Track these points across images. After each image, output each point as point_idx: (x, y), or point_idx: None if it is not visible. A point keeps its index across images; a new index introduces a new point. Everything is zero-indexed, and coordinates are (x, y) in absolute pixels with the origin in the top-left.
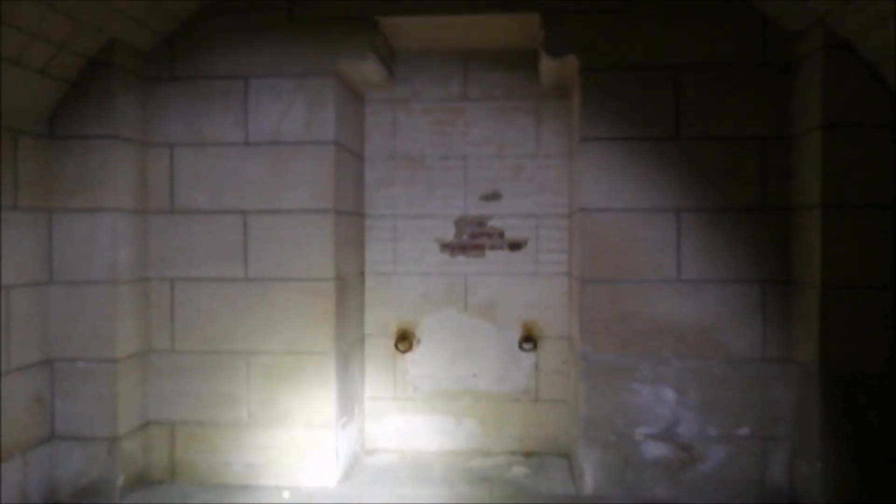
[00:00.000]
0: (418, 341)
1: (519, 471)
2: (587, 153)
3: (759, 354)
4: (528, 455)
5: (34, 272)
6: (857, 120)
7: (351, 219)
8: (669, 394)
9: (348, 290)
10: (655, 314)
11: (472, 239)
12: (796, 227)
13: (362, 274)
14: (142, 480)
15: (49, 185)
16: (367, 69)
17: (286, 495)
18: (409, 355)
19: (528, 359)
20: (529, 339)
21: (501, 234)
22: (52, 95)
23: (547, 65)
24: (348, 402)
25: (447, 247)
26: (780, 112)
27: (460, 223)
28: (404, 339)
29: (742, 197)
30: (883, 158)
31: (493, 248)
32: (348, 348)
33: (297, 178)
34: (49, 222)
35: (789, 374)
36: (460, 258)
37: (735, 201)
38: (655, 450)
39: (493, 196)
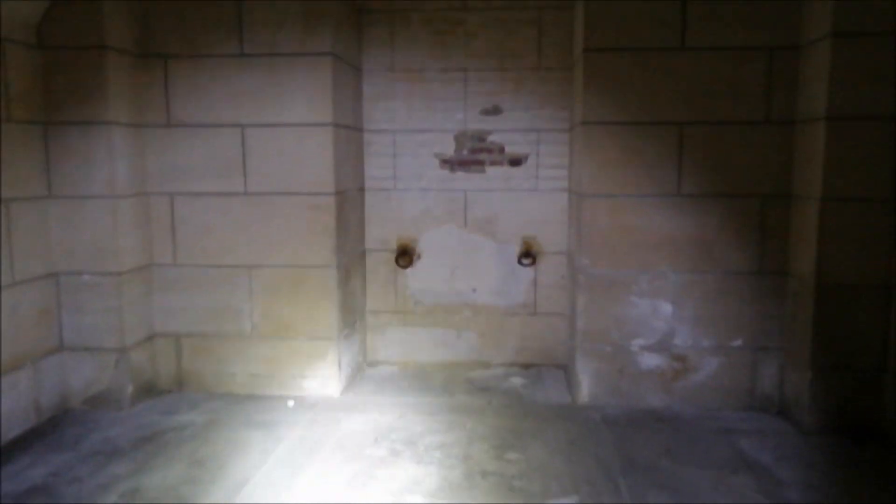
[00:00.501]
0: (418, 256)
1: (517, 381)
2: (590, 64)
3: (756, 268)
4: (526, 367)
5: (33, 186)
6: (866, 29)
7: (350, 133)
8: (666, 307)
9: (348, 204)
10: (654, 228)
11: (472, 154)
12: (800, 139)
13: (362, 189)
14: (150, 390)
15: (43, 98)
16: None
17: (291, 404)
18: (409, 270)
19: (526, 274)
20: (528, 255)
21: (502, 150)
22: (37, 1)
23: None
24: (350, 315)
25: (447, 162)
26: (788, 21)
27: (460, 138)
28: (405, 255)
29: (746, 110)
30: (890, 68)
31: (493, 163)
32: (349, 262)
33: (294, 91)
34: (45, 135)
35: (785, 287)
36: (460, 173)
37: (739, 114)
38: (650, 360)
39: (494, 110)
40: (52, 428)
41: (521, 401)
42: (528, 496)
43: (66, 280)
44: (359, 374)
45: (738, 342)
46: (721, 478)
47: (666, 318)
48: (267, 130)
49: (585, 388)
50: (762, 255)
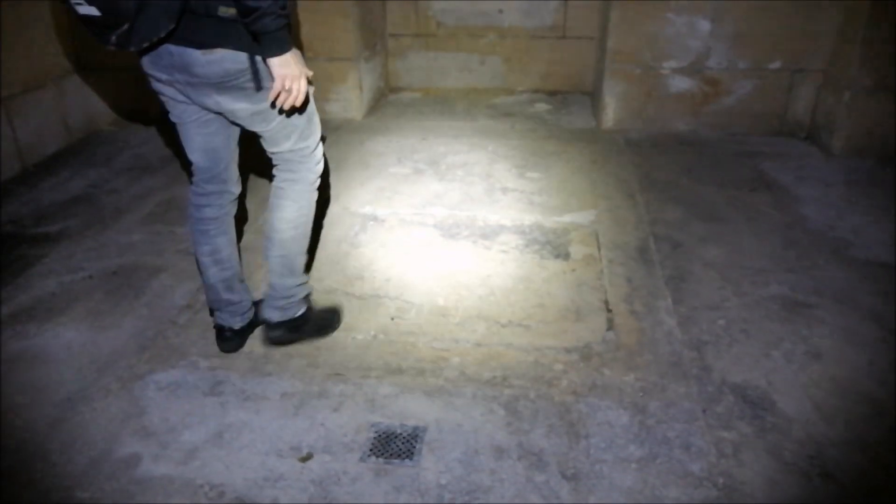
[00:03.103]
0: None
1: (542, 107)
2: None
3: None
4: (552, 93)
5: None
6: None
7: None
8: (704, 24)
9: None
10: None
11: None
12: None
13: None
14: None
15: None
16: None
17: None
18: None
19: None
20: None
21: None
22: None
23: None
24: (370, 36)
25: None
26: None
27: None
28: None
29: None
30: None
31: None
32: None
33: None
34: None
35: (836, 2)
36: None
37: None
38: (681, 83)
39: None
40: (84, 146)
41: (545, 125)
42: (547, 210)
43: None
44: (381, 99)
45: (776, 64)
46: (738, 196)
47: (703, 37)
48: None
49: (611, 112)
50: None
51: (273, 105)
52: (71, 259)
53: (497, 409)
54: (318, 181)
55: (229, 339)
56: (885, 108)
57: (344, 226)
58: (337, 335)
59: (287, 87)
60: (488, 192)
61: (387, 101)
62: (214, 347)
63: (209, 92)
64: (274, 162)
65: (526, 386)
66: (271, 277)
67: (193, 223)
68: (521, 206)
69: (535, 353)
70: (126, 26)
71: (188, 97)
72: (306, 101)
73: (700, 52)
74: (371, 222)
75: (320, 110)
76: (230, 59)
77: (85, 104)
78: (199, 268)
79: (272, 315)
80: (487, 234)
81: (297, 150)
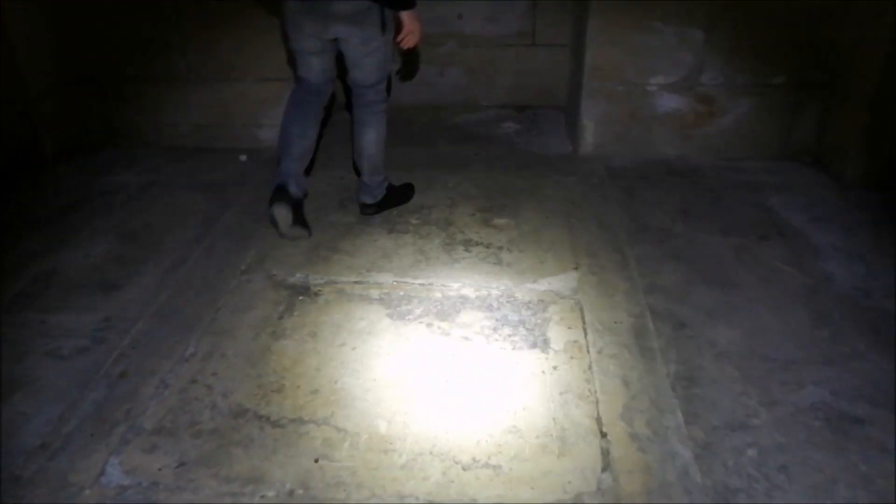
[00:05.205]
0: None
1: (510, 126)
2: None
3: None
4: (521, 108)
5: None
6: None
7: None
8: (696, 34)
9: None
10: None
11: None
12: None
13: None
14: (76, 146)
15: None
16: None
17: (243, 158)
18: None
19: None
20: None
21: None
22: None
23: None
24: None
25: None
26: None
27: None
28: None
29: None
30: None
31: None
32: None
33: None
34: None
35: (850, 7)
36: None
37: None
38: (669, 102)
39: None
40: None
41: (513, 151)
42: (519, 273)
43: None
44: (326, 120)
45: (779, 79)
46: (747, 246)
47: (695, 49)
48: None
49: (589, 136)
50: None
51: (398, 43)
52: None
53: None
54: (387, 108)
55: (282, 200)
56: None
57: (266, 305)
58: (238, 493)
59: (411, 31)
60: (448, 248)
61: (331, 122)
62: None
63: (341, 24)
64: (356, 97)
65: None
66: (363, 177)
67: (294, 108)
68: (487, 266)
69: None
70: None
71: (319, 31)
72: (414, 50)
73: (692, 65)
74: (301, 297)
75: (252, 139)
76: (365, 4)
77: None
78: (283, 145)
79: (367, 199)
80: (446, 311)
81: (379, 87)
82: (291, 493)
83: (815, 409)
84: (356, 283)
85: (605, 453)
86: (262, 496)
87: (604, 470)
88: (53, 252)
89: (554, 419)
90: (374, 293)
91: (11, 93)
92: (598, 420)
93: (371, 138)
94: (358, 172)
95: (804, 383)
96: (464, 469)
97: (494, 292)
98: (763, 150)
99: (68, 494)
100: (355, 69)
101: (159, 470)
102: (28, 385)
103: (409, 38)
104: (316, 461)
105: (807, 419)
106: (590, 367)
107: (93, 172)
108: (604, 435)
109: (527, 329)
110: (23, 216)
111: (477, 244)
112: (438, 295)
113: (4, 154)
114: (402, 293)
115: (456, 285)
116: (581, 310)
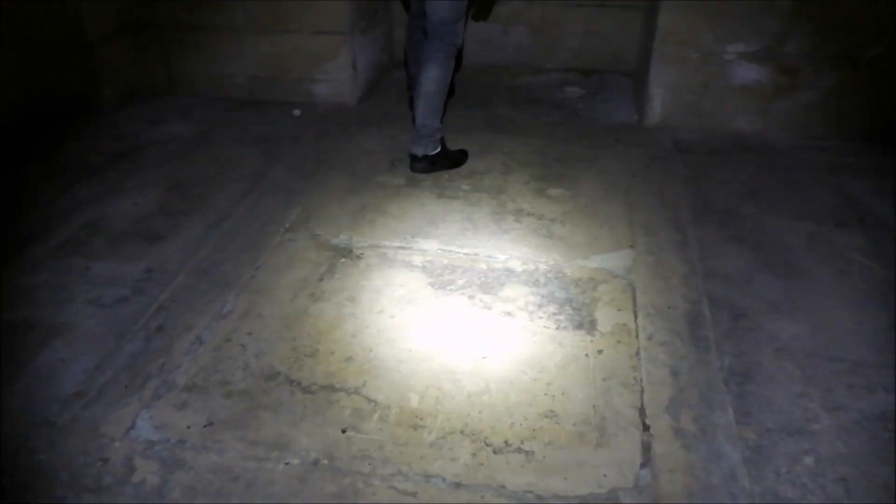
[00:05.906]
0: None
1: (573, 91)
2: None
3: None
4: (587, 73)
5: None
6: None
7: None
8: None
9: None
10: None
11: None
12: None
13: None
14: (134, 93)
15: None
16: None
17: (296, 113)
18: None
19: None
20: None
21: None
22: None
23: None
24: (367, 2)
25: None
26: None
27: None
28: None
29: None
30: None
31: None
32: None
33: None
34: None
35: None
36: None
37: None
38: (748, 73)
39: None
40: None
41: (576, 117)
42: (571, 248)
43: None
44: (383, 78)
45: (875, 50)
46: (821, 234)
47: (782, 14)
48: None
49: (657, 105)
50: None
51: None
52: None
53: None
54: (455, 52)
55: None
56: None
57: (307, 265)
58: (263, 459)
59: None
60: (497, 217)
61: (390, 80)
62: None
63: None
64: (430, 35)
65: None
66: (418, 119)
67: (412, 49)
68: (538, 239)
69: None
70: None
71: None
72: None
73: (776, 33)
74: (342, 260)
75: (306, 94)
76: None
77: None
78: (410, 82)
79: (417, 150)
80: (489, 283)
81: (451, 28)
82: (316, 462)
83: (885, 418)
84: (400, 248)
85: (646, 448)
86: (287, 463)
87: (643, 466)
88: (103, 200)
89: (594, 406)
90: (417, 260)
91: (72, 37)
92: (642, 411)
93: (432, 76)
94: (414, 119)
95: (874, 388)
96: (495, 452)
97: (542, 267)
98: (848, 130)
99: (98, 445)
100: (430, 3)
101: (188, 428)
102: (69, 332)
103: None
104: (343, 431)
105: (874, 429)
106: (637, 354)
107: (148, 121)
108: (646, 428)
109: (573, 308)
110: (78, 162)
111: (528, 215)
112: (483, 266)
113: (63, 98)
114: (445, 262)
115: (503, 257)
116: (633, 291)
